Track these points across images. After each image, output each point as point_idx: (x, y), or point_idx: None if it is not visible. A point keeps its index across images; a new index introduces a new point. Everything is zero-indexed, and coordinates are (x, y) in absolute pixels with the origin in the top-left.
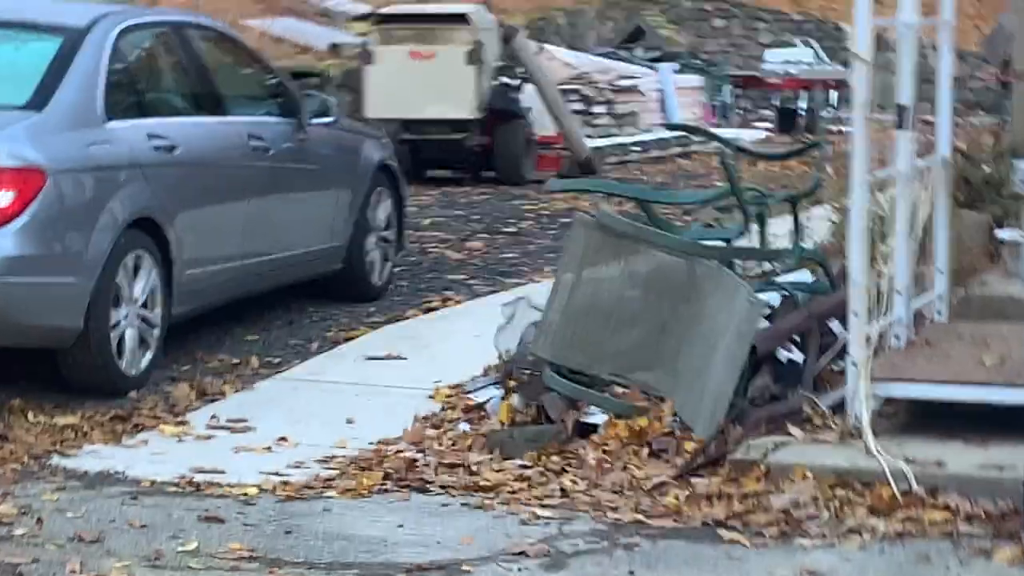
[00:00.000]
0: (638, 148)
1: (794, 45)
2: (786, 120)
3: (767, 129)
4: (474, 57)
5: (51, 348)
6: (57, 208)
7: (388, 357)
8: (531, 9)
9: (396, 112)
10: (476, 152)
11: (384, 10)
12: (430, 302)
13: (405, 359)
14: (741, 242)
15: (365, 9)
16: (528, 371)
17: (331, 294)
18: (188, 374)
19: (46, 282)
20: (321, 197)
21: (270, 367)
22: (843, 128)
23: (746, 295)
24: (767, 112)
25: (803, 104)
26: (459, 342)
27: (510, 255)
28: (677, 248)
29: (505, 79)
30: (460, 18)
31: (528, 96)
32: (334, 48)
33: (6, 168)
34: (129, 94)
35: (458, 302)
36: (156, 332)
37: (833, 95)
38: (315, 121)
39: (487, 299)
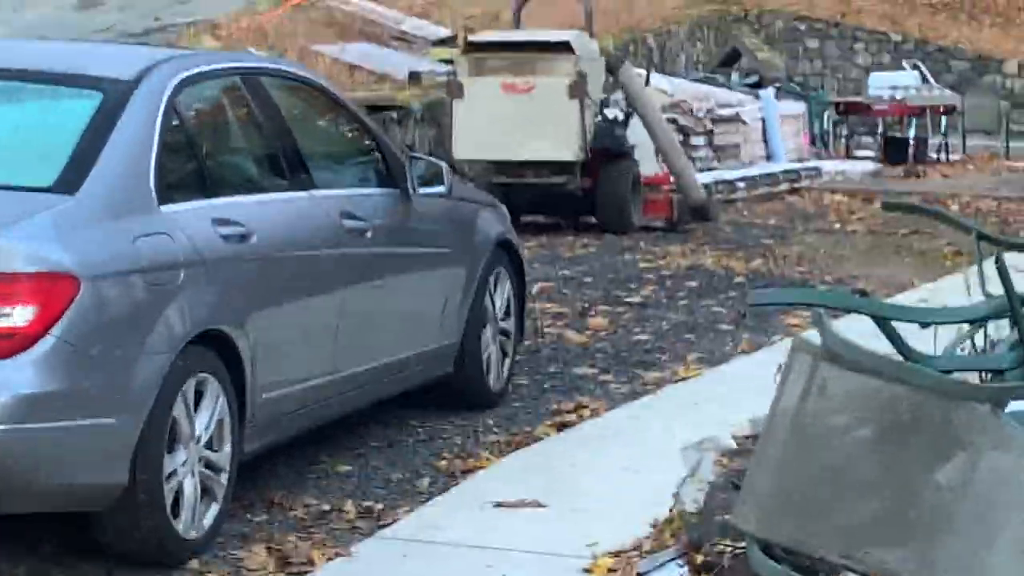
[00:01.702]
0: (743, 184)
1: (901, 68)
2: (895, 149)
3: (872, 159)
4: (577, 90)
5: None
6: (93, 325)
7: (521, 504)
8: (620, 31)
9: (489, 153)
10: (578, 197)
11: (475, 37)
12: (560, 411)
13: (544, 507)
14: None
15: (446, 32)
16: (724, 545)
17: (438, 400)
18: (264, 529)
19: (78, 426)
20: (431, 286)
21: (369, 516)
22: (952, 157)
23: None
24: (866, 139)
25: (911, 132)
26: (609, 479)
27: (641, 336)
28: (938, 388)
29: (608, 113)
30: (561, 46)
31: (632, 131)
32: (414, 77)
33: (25, 275)
34: (189, 168)
35: (594, 411)
36: (223, 478)
37: (943, 121)
38: (423, 191)
39: (629, 408)
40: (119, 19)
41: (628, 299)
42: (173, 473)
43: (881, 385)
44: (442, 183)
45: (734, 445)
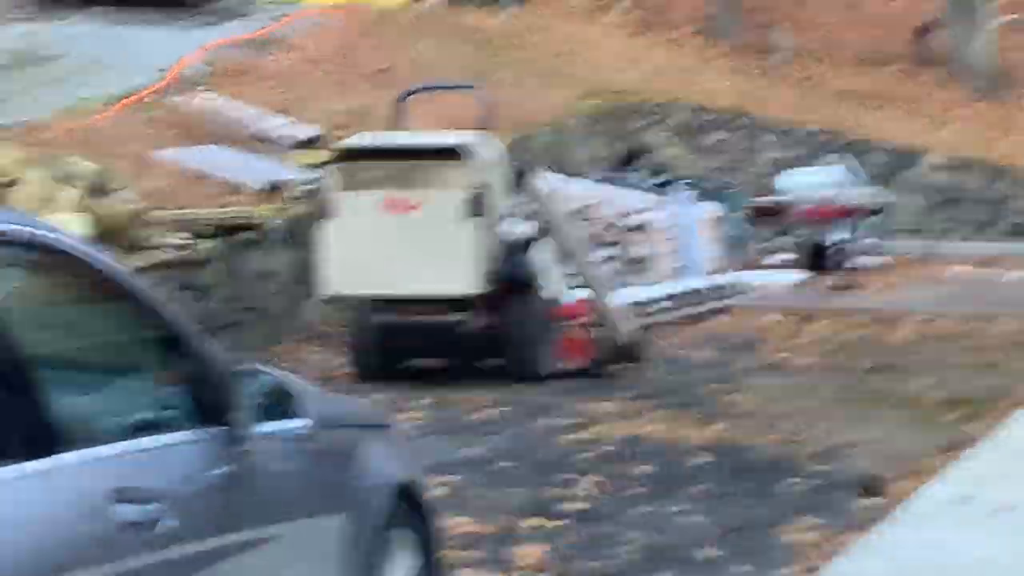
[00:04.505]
0: (667, 305)
1: (818, 163)
2: (816, 256)
3: (795, 267)
4: (477, 207)
5: None
6: None
7: None
8: (509, 128)
9: (367, 287)
10: (477, 337)
11: (348, 142)
12: None
13: None
14: None
15: (312, 132)
16: None
17: None
18: None
19: None
20: None
21: None
22: (877, 261)
23: None
24: (779, 241)
25: (836, 235)
26: None
27: None
28: None
29: (511, 230)
30: (457, 151)
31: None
32: (274, 189)
33: None
34: None
35: None
36: None
37: (868, 221)
38: (265, 429)
39: None
40: None
41: (564, 504)
42: None
43: None
44: (304, 413)
45: None
